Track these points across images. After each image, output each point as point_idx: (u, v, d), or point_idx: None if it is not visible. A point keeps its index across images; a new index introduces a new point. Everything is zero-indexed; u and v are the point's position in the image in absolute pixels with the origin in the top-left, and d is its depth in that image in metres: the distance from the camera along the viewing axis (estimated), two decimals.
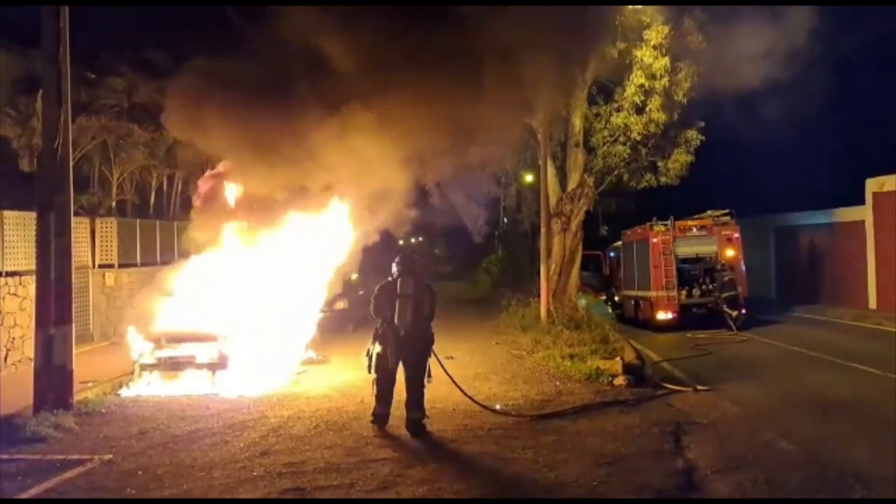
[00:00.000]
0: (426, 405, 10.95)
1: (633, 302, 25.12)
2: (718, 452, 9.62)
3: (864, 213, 26.87)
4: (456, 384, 12.00)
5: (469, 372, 15.28)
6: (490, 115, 21.52)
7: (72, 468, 9.28)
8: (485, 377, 14.76)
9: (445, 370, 11.65)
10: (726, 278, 22.32)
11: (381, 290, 11.09)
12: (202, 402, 12.83)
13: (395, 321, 10.80)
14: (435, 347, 11.15)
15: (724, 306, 21.92)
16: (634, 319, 24.63)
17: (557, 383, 13.97)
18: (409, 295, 10.86)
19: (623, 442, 10.08)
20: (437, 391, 12.74)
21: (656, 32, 22.05)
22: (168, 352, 14.28)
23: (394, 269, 11.16)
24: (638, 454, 9.54)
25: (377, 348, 10.92)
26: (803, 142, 34.26)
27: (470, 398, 12.01)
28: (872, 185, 26.32)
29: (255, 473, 8.91)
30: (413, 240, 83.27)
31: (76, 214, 18.91)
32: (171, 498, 8.47)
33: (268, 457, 9.52)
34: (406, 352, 10.86)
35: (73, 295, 12.57)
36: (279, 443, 10.18)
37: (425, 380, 10.91)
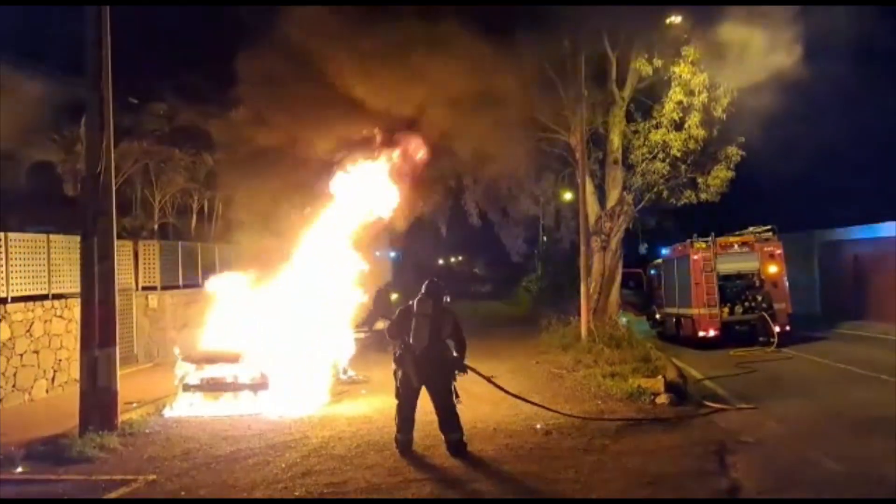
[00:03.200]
0: (466, 425, 10.89)
1: (674, 319, 24.86)
2: (764, 472, 9.48)
3: None
4: (517, 396, 12.19)
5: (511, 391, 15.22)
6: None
7: (116, 489, 9.38)
8: (526, 396, 14.63)
9: (496, 385, 11.50)
10: (760, 296, 22.16)
11: (401, 312, 11.07)
12: (244, 422, 12.90)
13: (411, 340, 10.71)
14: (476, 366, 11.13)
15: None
16: (676, 337, 24.38)
17: (599, 402, 13.86)
18: (426, 314, 10.77)
19: (666, 461, 9.96)
20: (477, 410, 12.80)
21: (694, 48, 21.93)
22: (210, 372, 14.40)
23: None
24: (681, 474, 9.42)
25: (399, 372, 10.86)
26: (848, 155, 33.87)
27: (528, 401, 12.22)
28: None
29: (296, 494, 8.94)
30: (453, 259, 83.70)
31: (119, 237, 19.19)
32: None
33: (309, 477, 9.54)
34: (427, 374, 10.71)
35: (117, 317, 12.76)
36: (320, 463, 10.19)
37: (454, 400, 10.75)
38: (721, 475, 9.36)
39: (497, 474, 9.61)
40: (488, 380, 11.33)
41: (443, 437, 10.73)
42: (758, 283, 22.68)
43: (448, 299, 11.47)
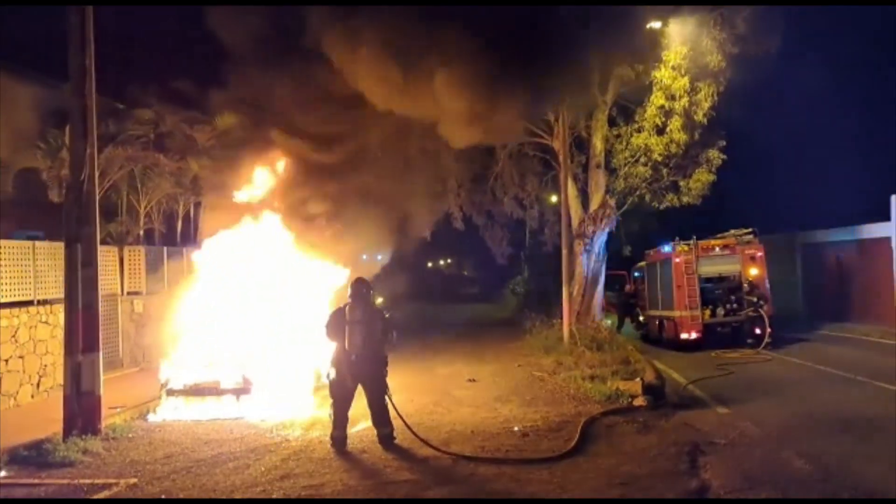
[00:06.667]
0: (444, 427, 11.10)
1: (657, 322, 25.03)
2: (734, 473, 9.64)
3: (890, 229, 26.60)
4: (404, 421, 11.64)
5: (490, 394, 15.45)
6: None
7: (98, 492, 9.57)
8: (505, 399, 14.86)
9: (394, 405, 11.64)
10: (756, 297, 22.30)
11: (334, 316, 11.59)
12: (226, 426, 13.09)
13: (346, 346, 11.28)
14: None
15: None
16: (659, 339, 24.56)
17: (577, 404, 14.04)
18: (357, 321, 11.33)
19: (639, 462, 10.15)
20: (456, 413, 13.08)
21: (675, 53, 22.15)
22: (194, 377, 14.54)
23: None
24: (653, 475, 9.61)
25: (333, 373, 11.36)
26: (829, 158, 34.22)
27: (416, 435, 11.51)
28: None
29: (274, 496, 9.13)
30: (442, 261, 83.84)
31: (105, 243, 19.34)
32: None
33: (288, 480, 9.72)
34: (361, 374, 11.32)
35: (103, 322, 12.91)
36: (299, 466, 10.38)
37: (386, 397, 11.41)
38: (692, 475, 9.54)
39: (472, 476, 9.78)
40: (391, 402, 11.57)
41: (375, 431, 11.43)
42: (748, 287, 22.72)
43: (372, 293, 11.90)
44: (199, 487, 9.57)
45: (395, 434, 11.37)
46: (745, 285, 22.70)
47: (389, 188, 18.57)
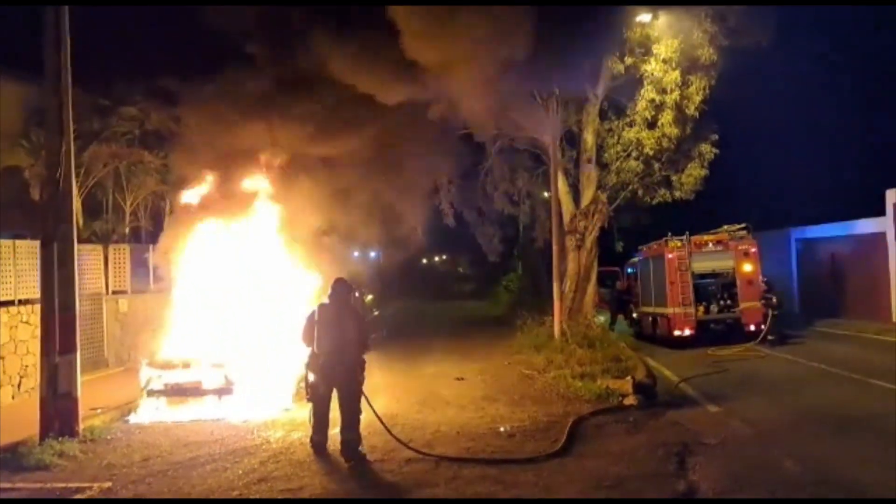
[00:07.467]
0: (429, 428, 10.85)
1: (650, 318, 24.82)
2: (722, 474, 9.43)
3: (885, 224, 26.50)
4: (383, 423, 11.30)
5: (478, 393, 15.24)
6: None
7: (71, 496, 9.32)
8: (493, 398, 14.64)
9: (372, 407, 11.22)
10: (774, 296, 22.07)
11: (307, 320, 11.15)
12: (207, 427, 12.82)
13: (315, 349, 10.88)
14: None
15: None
16: (652, 336, 24.35)
17: (566, 404, 13.81)
18: (328, 323, 10.89)
19: (627, 464, 9.93)
20: (442, 414, 12.86)
21: (665, 46, 21.95)
22: (175, 378, 14.28)
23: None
24: (640, 476, 9.40)
25: (311, 377, 10.98)
26: (823, 153, 34.05)
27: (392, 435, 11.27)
28: (893, 195, 25.97)
29: (250, 500, 8.91)
30: (437, 258, 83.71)
31: (89, 242, 19.08)
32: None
33: (265, 483, 9.50)
34: (333, 378, 10.83)
35: (87, 322, 12.66)
36: (278, 469, 10.14)
37: (361, 403, 10.86)
38: (680, 477, 9.35)
39: (456, 478, 9.54)
40: (368, 403, 11.19)
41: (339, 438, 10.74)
42: (765, 286, 22.45)
43: (357, 294, 11.56)
44: (175, 491, 9.34)
45: (362, 445, 10.65)
46: (763, 283, 22.43)
47: (381, 185, 18.32)
